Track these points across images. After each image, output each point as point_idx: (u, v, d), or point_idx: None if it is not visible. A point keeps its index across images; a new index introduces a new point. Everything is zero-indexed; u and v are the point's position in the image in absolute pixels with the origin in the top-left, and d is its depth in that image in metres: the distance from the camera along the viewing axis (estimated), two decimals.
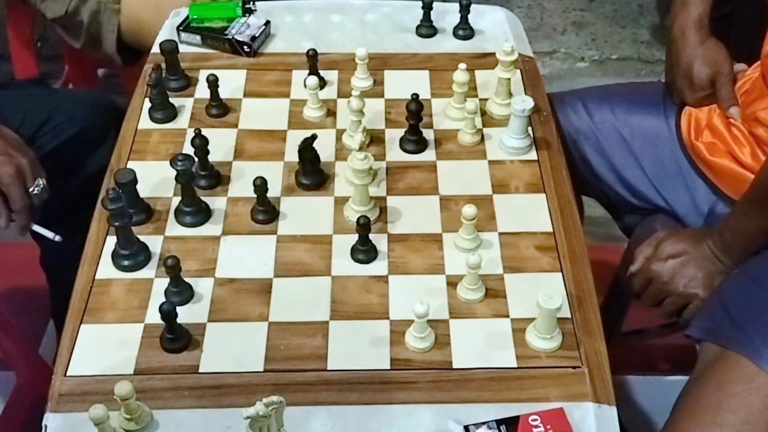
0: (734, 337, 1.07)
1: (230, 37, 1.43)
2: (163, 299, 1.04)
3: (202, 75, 1.37)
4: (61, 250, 1.40)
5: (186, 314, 1.03)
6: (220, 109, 1.33)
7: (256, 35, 1.44)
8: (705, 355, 1.11)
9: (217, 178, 1.22)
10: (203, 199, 1.17)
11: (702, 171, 1.33)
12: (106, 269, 1.10)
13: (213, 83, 1.30)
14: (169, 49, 1.34)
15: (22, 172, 1.21)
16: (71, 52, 2.35)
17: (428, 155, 1.27)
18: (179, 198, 1.16)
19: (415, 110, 1.24)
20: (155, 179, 1.21)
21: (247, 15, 1.48)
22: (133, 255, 1.10)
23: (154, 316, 1.02)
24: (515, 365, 1.00)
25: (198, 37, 1.45)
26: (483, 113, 1.33)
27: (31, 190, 1.22)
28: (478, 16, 1.52)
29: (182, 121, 1.32)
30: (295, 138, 1.25)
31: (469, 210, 1.08)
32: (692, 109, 1.36)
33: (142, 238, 1.11)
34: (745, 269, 1.16)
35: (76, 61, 2.38)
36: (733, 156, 1.27)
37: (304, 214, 1.18)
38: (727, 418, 1.01)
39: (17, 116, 1.36)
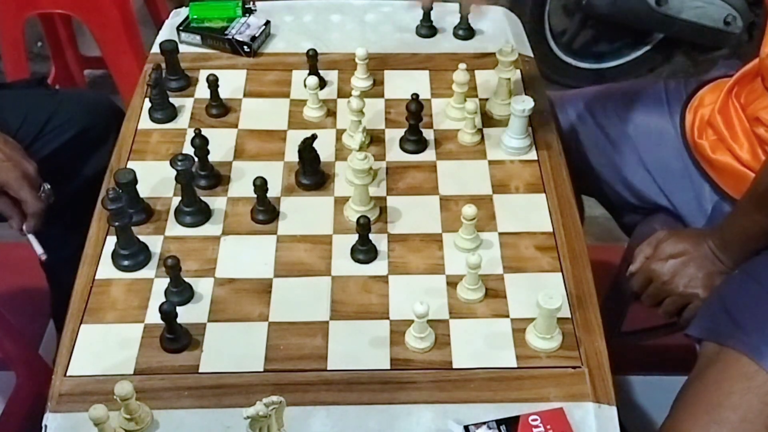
0: (733, 335, 1.07)
1: (230, 37, 1.43)
2: (163, 299, 1.04)
3: (202, 75, 1.37)
4: (61, 250, 1.40)
5: (186, 314, 1.03)
6: (220, 109, 1.33)
7: (256, 35, 1.44)
8: (705, 354, 1.11)
9: (217, 178, 1.22)
10: (203, 199, 1.17)
11: (705, 169, 1.32)
12: (106, 269, 1.10)
13: (213, 83, 1.30)
14: (169, 49, 1.34)
15: (29, 176, 1.22)
16: (58, 52, 2.36)
17: (428, 155, 1.27)
18: (179, 198, 1.16)
19: (415, 110, 1.24)
20: (155, 179, 1.21)
21: (247, 15, 1.48)
22: (133, 255, 1.10)
23: (154, 316, 1.02)
24: (515, 365, 1.00)
25: (198, 37, 1.45)
26: (483, 113, 1.33)
27: (38, 194, 1.23)
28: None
29: (182, 121, 1.32)
30: (295, 138, 1.25)
31: (469, 210, 1.08)
32: (696, 106, 1.35)
33: (142, 238, 1.11)
34: (745, 269, 1.16)
35: (62, 61, 2.38)
36: (734, 154, 1.27)
37: (304, 214, 1.18)
38: (726, 416, 1.01)
39: (18, 117, 1.36)
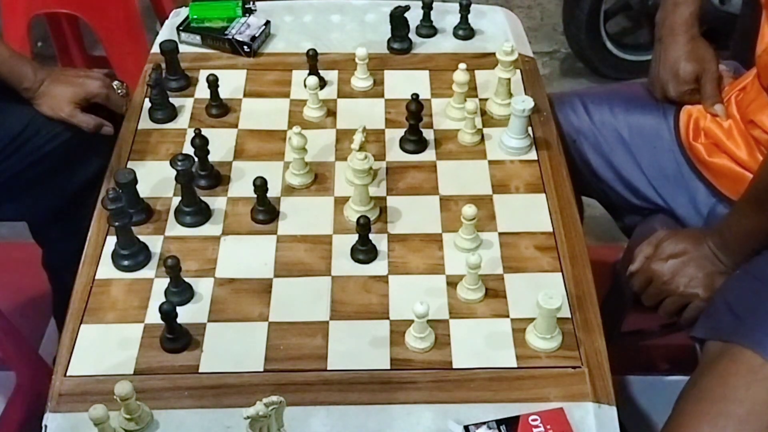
0: (737, 331, 1.07)
1: (230, 37, 1.43)
2: (163, 299, 1.04)
3: (202, 75, 1.37)
4: (62, 250, 1.40)
5: (186, 314, 1.03)
6: (220, 109, 1.33)
7: (256, 35, 1.44)
8: (708, 353, 1.11)
9: (217, 178, 1.22)
10: (203, 199, 1.17)
11: (701, 172, 1.33)
12: (106, 269, 1.10)
13: (213, 83, 1.30)
14: (169, 49, 1.34)
15: (105, 81, 1.36)
16: (63, 52, 2.36)
17: (428, 155, 1.27)
18: (179, 198, 1.16)
19: (415, 110, 1.24)
20: (155, 179, 1.21)
21: (247, 15, 1.48)
22: (133, 255, 1.10)
23: (154, 316, 1.02)
24: (515, 365, 1.00)
25: (198, 37, 1.45)
26: (483, 113, 1.33)
27: (117, 92, 1.37)
28: (478, 16, 1.52)
29: (182, 121, 1.32)
30: None
31: (469, 210, 1.08)
32: (690, 109, 1.35)
33: (142, 238, 1.11)
34: (747, 268, 1.16)
35: (68, 60, 2.39)
36: (731, 155, 1.27)
37: (304, 214, 1.18)
38: (732, 410, 1.01)
39: (23, 118, 1.36)
